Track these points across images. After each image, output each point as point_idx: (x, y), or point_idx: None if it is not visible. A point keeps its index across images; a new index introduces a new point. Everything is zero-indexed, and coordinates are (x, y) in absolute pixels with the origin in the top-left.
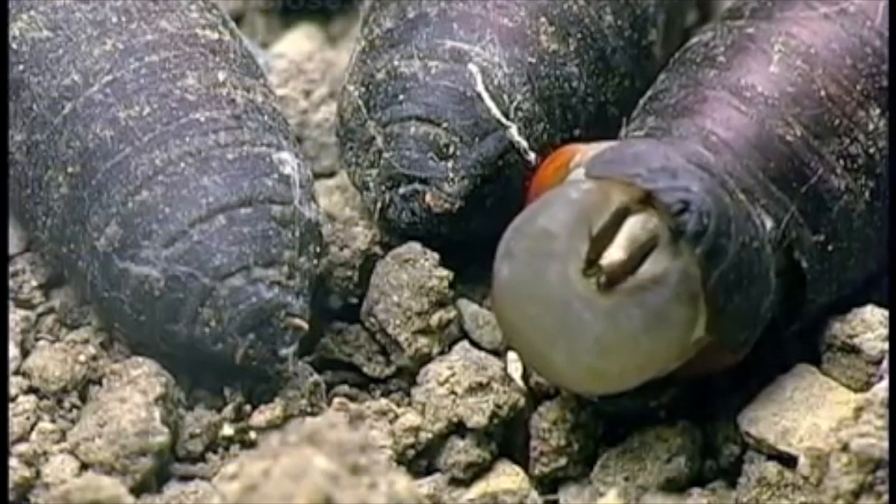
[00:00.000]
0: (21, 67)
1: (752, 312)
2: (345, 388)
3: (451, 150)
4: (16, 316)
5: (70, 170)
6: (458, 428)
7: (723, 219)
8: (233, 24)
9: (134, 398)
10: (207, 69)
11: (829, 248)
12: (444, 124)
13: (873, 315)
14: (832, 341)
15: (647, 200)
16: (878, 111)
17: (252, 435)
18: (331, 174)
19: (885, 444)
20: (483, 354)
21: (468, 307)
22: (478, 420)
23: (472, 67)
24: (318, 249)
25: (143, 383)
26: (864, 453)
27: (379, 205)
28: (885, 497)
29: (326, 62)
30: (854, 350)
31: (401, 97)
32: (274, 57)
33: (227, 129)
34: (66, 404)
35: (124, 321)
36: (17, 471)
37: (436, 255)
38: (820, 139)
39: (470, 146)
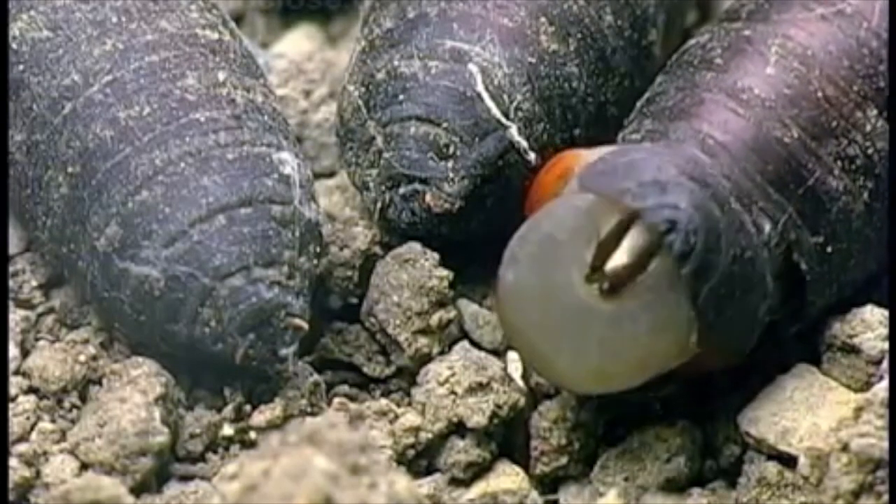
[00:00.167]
0: (21, 67)
1: (747, 321)
2: (345, 388)
3: (451, 150)
4: (16, 316)
5: (70, 170)
6: (458, 428)
7: (712, 235)
8: (233, 24)
9: (134, 398)
10: (207, 69)
11: (829, 249)
12: (444, 124)
13: (873, 315)
14: (832, 341)
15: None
16: (875, 112)
17: (252, 435)
18: (331, 174)
19: (885, 444)
20: (483, 354)
21: (468, 307)
22: (478, 420)
23: (472, 67)
24: (318, 249)
25: (143, 383)
26: (864, 453)
27: (379, 205)
28: (885, 497)
29: (326, 62)
30: (854, 350)
31: (401, 97)
32: (274, 57)
33: (227, 129)
34: (66, 404)
35: (124, 321)
36: (17, 471)
37: (436, 255)
38: (817, 141)
39: (470, 146)
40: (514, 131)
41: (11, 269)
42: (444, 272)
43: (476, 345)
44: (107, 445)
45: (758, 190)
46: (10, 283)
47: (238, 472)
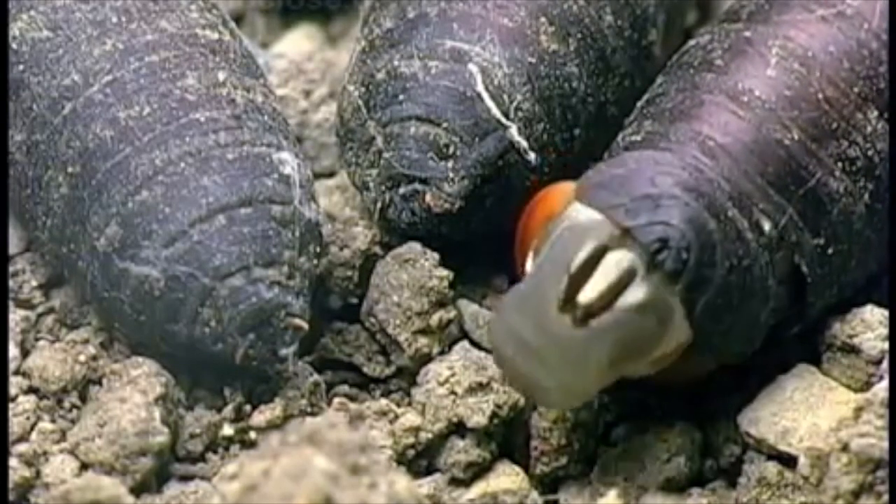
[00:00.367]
0: (21, 67)
1: (747, 327)
2: (345, 388)
3: (451, 150)
4: (16, 316)
5: (70, 170)
6: (458, 428)
7: (705, 249)
8: (233, 24)
9: (134, 398)
10: (207, 69)
11: (830, 250)
12: (444, 124)
13: (873, 315)
14: (832, 341)
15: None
16: (875, 113)
17: (252, 435)
18: (331, 174)
19: (885, 444)
20: (483, 354)
21: (468, 307)
22: (478, 420)
23: (472, 67)
24: (318, 249)
25: (143, 383)
26: (864, 453)
27: (379, 205)
28: (885, 497)
29: (326, 62)
30: (854, 350)
31: (401, 97)
32: (274, 57)
33: (227, 129)
34: (66, 404)
35: (124, 321)
36: (17, 471)
37: (436, 255)
38: (818, 142)
39: (470, 146)
40: (514, 131)
41: (11, 269)
42: (444, 272)
43: (476, 345)
44: (107, 445)
45: (758, 192)
46: (10, 283)
47: (238, 472)
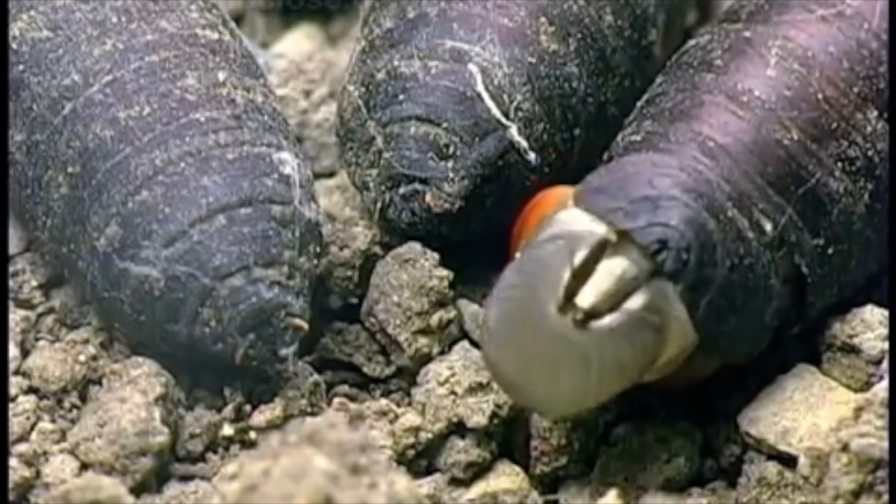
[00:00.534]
0: (21, 67)
1: (753, 326)
2: (345, 388)
3: (451, 150)
4: (16, 316)
5: (70, 170)
6: (458, 428)
7: (706, 249)
8: (233, 24)
9: (134, 398)
10: (207, 69)
11: (829, 251)
12: (444, 124)
13: (873, 315)
14: (832, 341)
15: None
16: (875, 113)
17: (252, 435)
18: (331, 174)
19: (885, 444)
20: None
21: (468, 307)
22: (478, 420)
23: (472, 67)
24: (318, 249)
25: (143, 383)
26: (864, 453)
27: (379, 205)
28: (885, 497)
29: (326, 62)
30: (854, 350)
31: (401, 97)
32: (274, 57)
33: (227, 129)
34: (66, 404)
35: (124, 321)
36: (17, 471)
37: (436, 255)
38: (818, 142)
39: (470, 146)
40: (514, 131)
41: (11, 269)
42: (444, 272)
43: (476, 345)
44: (107, 445)
45: (758, 192)
46: (10, 283)
47: (238, 472)
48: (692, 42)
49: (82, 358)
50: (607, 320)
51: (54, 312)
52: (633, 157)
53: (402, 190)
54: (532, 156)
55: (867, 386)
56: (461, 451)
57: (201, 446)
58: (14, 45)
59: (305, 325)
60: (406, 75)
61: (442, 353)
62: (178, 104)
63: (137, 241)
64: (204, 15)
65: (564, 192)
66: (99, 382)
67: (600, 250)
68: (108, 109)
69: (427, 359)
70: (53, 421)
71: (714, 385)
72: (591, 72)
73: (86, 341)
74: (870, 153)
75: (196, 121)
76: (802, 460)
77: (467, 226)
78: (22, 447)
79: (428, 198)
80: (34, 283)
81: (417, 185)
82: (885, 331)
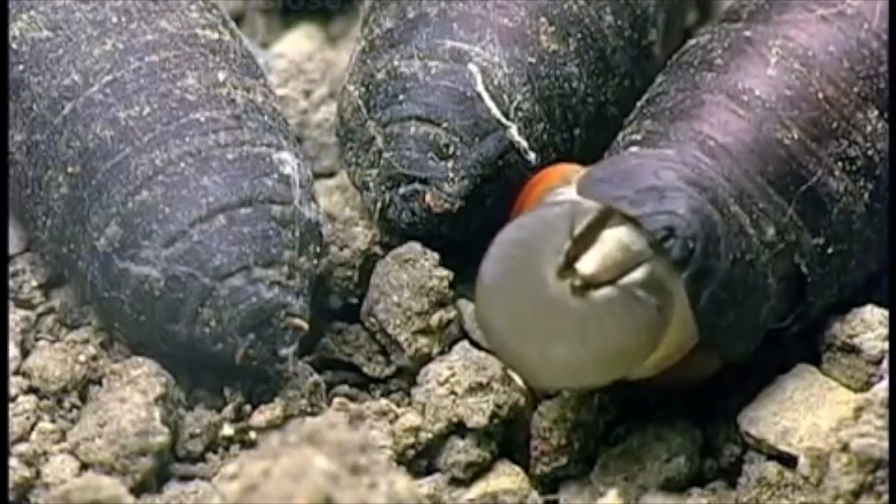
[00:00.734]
0: (21, 67)
1: (750, 323)
2: (345, 388)
3: (451, 150)
4: (16, 316)
5: (70, 170)
6: (458, 428)
7: (711, 239)
8: (233, 24)
9: (134, 398)
10: (207, 69)
11: (829, 250)
12: (444, 124)
13: (873, 315)
14: (832, 341)
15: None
16: (875, 113)
17: (252, 435)
18: (331, 174)
19: (885, 444)
20: (483, 354)
21: (468, 307)
22: (478, 420)
23: (472, 67)
24: (318, 249)
25: (143, 383)
26: (864, 453)
27: (379, 205)
28: (885, 497)
29: (326, 62)
30: (854, 350)
31: (401, 97)
32: (274, 57)
33: (227, 129)
34: (66, 404)
35: (124, 321)
36: (17, 471)
37: (436, 255)
38: (818, 142)
39: (470, 146)
40: (514, 131)
41: (11, 269)
42: (444, 272)
43: (476, 345)
44: (107, 445)
45: (758, 191)
46: (10, 283)
47: (238, 472)
48: (693, 41)
49: (82, 358)
50: (607, 290)
51: (54, 312)
52: (637, 151)
53: (402, 190)
54: (532, 156)
55: (867, 386)
56: (461, 451)
57: (201, 446)
58: (14, 45)
59: (305, 325)
60: (406, 75)
61: (442, 353)
62: (178, 104)
63: (137, 241)
64: (204, 15)
65: (569, 168)
66: (99, 382)
67: (604, 219)
68: (108, 109)
69: (427, 359)
70: (53, 421)
71: (714, 385)
72: (591, 72)
73: (86, 341)
74: (870, 153)
75: (196, 121)
76: (802, 460)
77: (467, 226)
78: (22, 447)
79: (428, 198)
80: (34, 283)
81: (417, 185)
82: (885, 331)
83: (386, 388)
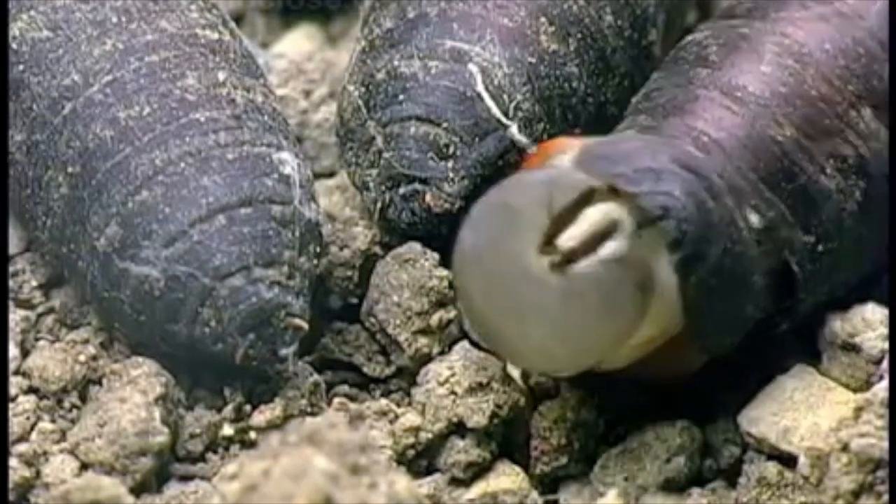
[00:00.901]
0: (21, 67)
1: (735, 316)
2: (345, 388)
3: (451, 150)
4: (16, 316)
5: (70, 170)
6: (458, 428)
7: (704, 225)
8: (233, 24)
9: (134, 398)
10: (207, 69)
11: (820, 248)
12: (444, 124)
13: (874, 314)
14: (832, 340)
15: (622, 194)
16: (869, 112)
17: (252, 435)
18: (331, 174)
19: (885, 444)
20: (483, 354)
21: None
22: (478, 420)
23: (472, 67)
24: (318, 249)
25: (143, 383)
26: (864, 453)
27: (379, 205)
28: (885, 497)
29: (326, 62)
30: (854, 349)
31: (401, 97)
32: (274, 57)
33: (227, 129)
34: (66, 404)
35: (124, 321)
36: (17, 471)
37: (436, 255)
38: (811, 139)
39: (470, 146)
40: (514, 131)
41: (11, 269)
42: (444, 272)
43: (476, 345)
44: (107, 445)
45: (750, 187)
46: (10, 283)
47: (238, 472)
48: (689, 37)
49: (82, 358)
50: (586, 262)
51: (54, 312)
52: (634, 135)
53: (402, 190)
54: None
55: (867, 386)
56: (461, 451)
57: (201, 446)
58: (14, 45)
59: (305, 325)
60: (406, 75)
61: (442, 353)
62: (178, 104)
63: (137, 241)
64: (204, 15)
65: (569, 142)
66: (99, 382)
67: (588, 198)
68: (108, 109)
69: (427, 359)
70: (53, 421)
71: (714, 385)
72: (591, 72)
73: (86, 341)
74: (862, 151)
75: (196, 121)
76: (802, 460)
77: None
78: (22, 447)
79: (428, 198)
80: (34, 283)
81: (417, 185)
82: (885, 330)
83: (386, 388)
